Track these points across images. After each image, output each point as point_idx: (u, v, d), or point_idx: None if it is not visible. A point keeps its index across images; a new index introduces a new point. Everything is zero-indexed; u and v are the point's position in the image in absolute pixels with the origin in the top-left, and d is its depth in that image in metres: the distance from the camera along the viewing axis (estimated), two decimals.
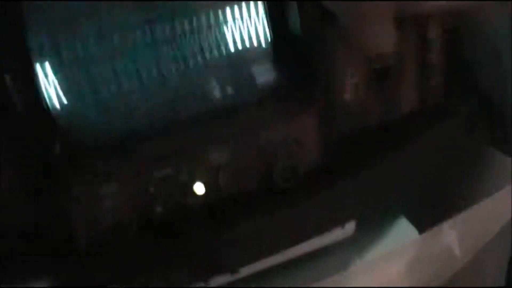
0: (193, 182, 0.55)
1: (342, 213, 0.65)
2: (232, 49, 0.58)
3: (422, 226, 0.68)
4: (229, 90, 0.59)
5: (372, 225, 0.71)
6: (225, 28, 0.57)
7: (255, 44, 0.58)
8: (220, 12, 0.56)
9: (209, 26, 0.56)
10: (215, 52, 0.57)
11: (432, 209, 0.70)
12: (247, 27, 0.58)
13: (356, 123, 0.63)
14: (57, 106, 0.54)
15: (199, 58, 0.57)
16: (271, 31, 0.58)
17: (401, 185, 0.66)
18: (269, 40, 0.59)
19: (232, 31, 0.57)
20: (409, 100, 0.64)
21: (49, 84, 0.53)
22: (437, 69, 0.64)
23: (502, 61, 0.76)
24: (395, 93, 0.61)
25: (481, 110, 0.70)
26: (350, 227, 0.69)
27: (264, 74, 0.59)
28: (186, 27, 0.56)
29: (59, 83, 0.54)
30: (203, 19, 0.56)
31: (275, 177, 0.55)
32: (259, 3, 0.57)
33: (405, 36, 0.61)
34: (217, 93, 0.58)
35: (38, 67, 0.52)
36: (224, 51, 0.57)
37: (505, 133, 0.72)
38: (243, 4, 0.57)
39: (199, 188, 0.55)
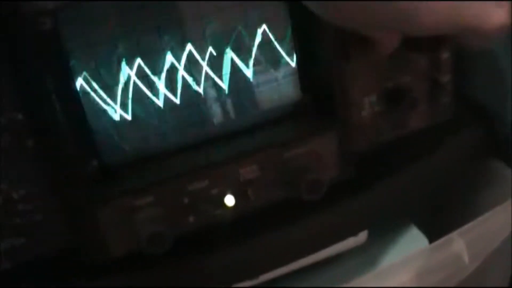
0: (224, 195, 0.58)
1: (356, 223, 0.68)
2: (259, 69, 0.61)
3: (432, 235, 0.71)
4: (257, 108, 0.62)
5: (385, 234, 0.74)
6: (253, 48, 0.60)
7: (281, 64, 0.61)
8: (249, 32, 0.59)
9: (239, 48, 0.59)
10: (244, 72, 0.60)
11: (441, 219, 0.74)
12: (273, 47, 0.60)
13: (371, 138, 0.66)
14: (97, 124, 0.57)
15: (229, 77, 0.60)
16: (296, 50, 0.61)
17: (413, 197, 0.69)
18: (294, 59, 0.62)
19: (259, 51, 0.60)
20: (419, 117, 0.67)
21: (89, 99, 0.56)
22: (446, 87, 0.67)
23: (503, 75, 0.80)
24: (407, 110, 0.64)
25: (486, 124, 0.73)
26: (363, 235, 0.72)
27: (289, 93, 0.63)
28: (217, 48, 0.58)
29: (98, 101, 0.56)
30: (235, 37, 0.59)
31: (301, 190, 0.58)
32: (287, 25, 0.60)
33: (415, 56, 0.64)
34: (246, 111, 0.62)
35: (79, 81, 0.55)
36: (252, 71, 0.61)
37: (508, 146, 0.76)
38: (270, 24, 0.60)
39: (230, 202, 0.59)
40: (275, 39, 0.60)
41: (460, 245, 0.68)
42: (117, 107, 0.57)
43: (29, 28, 0.50)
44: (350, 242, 0.71)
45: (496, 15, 0.47)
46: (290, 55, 0.61)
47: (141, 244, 0.54)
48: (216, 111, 0.61)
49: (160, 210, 0.56)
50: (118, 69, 0.56)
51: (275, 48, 0.61)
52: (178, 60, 0.58)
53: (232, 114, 0.61)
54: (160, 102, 0.58)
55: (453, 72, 0.66)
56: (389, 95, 0.64)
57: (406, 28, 0.47)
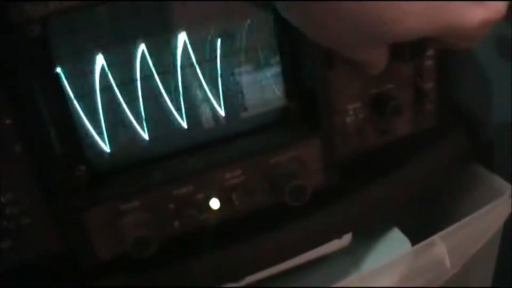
0: (209, 200, 0.59)
1: (340, 227, 0.69)
2: (244, 75, 0.62)
3: (414, 238, 0.72)
4: (243, 115, 0.63)
5: (368, 237, 0.75)
6: (239, 54, 0.61)
7: (265, 70, 0.62)
8: (233, 38, 0.60)
9: (225, 53, 0.60)
10: (230, 79, 0.61)
11: (424, 223, 0.75)
12: (258, 53, 0.61)
13: (355, 144, 0.67)
14: (84, 129, 0.58)
15: (214, 83, 0.61)
16: (281, 57, 0.63)
17: (396, 201, 0.70)
18: (279, 66, 0.63)
19: (243, 57, 0.61)
20: (403, 124, 0.68)
21: (76, 106, 0.57)
22: (429, 94, 0.68)
23: (486, 80, 0.81)
24: (391, 117, 0.65)
25: (469, 128, 0.75)
26: (347, 238, 0.73)
27: (274, 100, 0.64)
28: (202, 54, 0.59)
29: (86, 104, 0.57)
30: (220, 44, 0.60)
31: (285, 196, 0.59)
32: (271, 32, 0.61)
33: (399, 64, 0.65)
34: (231, 117, 0.63)
35: (67, 87, 0.56)
36: (237, 79, 0.61)
37: (491, 150, 0.77)
38: (254, 31, 0.61)
39: (215, 205, 0.60)
40: (260, 46, 0.61)
41: (442, 248, 0.69)
42: (102, 114, 0.57)
43: (17, 35, 0.50)
44: (334, 245, 0.72)
45: (475, 13, 0.48)
46: (274, 61, 0.62)
47: (128, 248, 0.55)
48: (201, 117, 0.61)
49: (146, 214, 0.57)
50: (104, 75, 0.57)
51: (260, 54, 0.61)
52: (165, 65, 0.58)
53: (217, 120, 0.62)
54: (146, 106, 0.59)
55: (437, 79, 0.67)
56: (373, 102, 0.65)
57: (389, 34, 0.47)
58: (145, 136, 0.60)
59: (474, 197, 0.76)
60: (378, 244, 0.76)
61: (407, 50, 0.57)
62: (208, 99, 0.61)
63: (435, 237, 0.68)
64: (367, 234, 0.76)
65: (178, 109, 0.60)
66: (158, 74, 0.58)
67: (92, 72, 0.56)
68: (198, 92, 0.61)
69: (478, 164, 0.77)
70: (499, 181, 0.75)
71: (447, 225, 0.70)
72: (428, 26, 0.47)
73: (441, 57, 0.67)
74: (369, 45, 0.51)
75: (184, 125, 0.61)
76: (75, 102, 0.56)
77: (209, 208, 0.59)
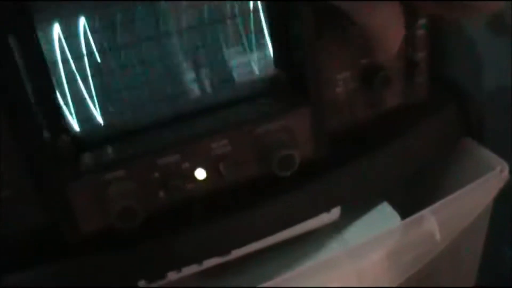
0: (195, 170, 0.58)
1: (329, 200, 0.68)
2: (233, 46, 0.60)
3: (404, 212, 0.72)
4: (231, 83, 0.62)
5: (357, 210, 0.75)
6: (227, 23, 0.59)
7: (255, 40, 0.61)
8: (223, 7, 0.59)
9: (212, 22, 0.59)
10: (218, 49, 0.60)
11: (414, 197, 0.74)
12: (248, 22, 0.60)
13: (345, 116, 0.66)
14: (65, 95, 0.56)
15: (202, 54, 0.59)
16: (271, 26, 0.61)
17: (386, 175, 0.69)
18: (268, 35, 0.61)
19: (233, 27, 0.60)
20: (393, 96, 0.67)
21: (59, 71, 0.56)
22: (420, 65, 0.67)
23: (476, 55, 0.81)
24: (381, 89, 0.64)
25: (459, 103, 0.74)
26: (336, 212, 0.72)
27: (262, 69, 0.62)
28: (191, 21, 0.58)
29: (68, 71, 0.56)
30: (209, 12, 0.59)
31: (273, 166, 0.58)
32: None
33: None
34: (218, 87, 0.61)
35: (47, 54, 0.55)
36: (225, 48, 0.60)
37: (481, 125, 0.76)
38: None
39: (200, 175, 0.58)
40: (250, 14, 0.59)
41: (432, 222, 0.68)
42: (88, 79, 0.56)
43: None
44: (323, 219, 0.71)
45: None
46: (263, 30, 0.61)
47: (113, 219, 0.54)
48: (189, 86, 0.60)
49: (131, 184, 0.56)
50: (90, 38, 0.55)
51: (249, 23, 0.60)
52: (152, 32, 0.57)
53: (205, 89, 0.61)
54: (132, 76, 0.57)
55: (428, 50, 0.66)
56: (363, 72, 0.64)
57: None
58: (130, 105, 0.58)
59: (464, 171, 0.75)
60: (367, 218, 0.75)
61: None
62: (194, 68, 0.59)
63: (426, 211, 0.67)
64: (356, 209, 0.75)
65: (163, 78, 0.58)
66: (142, 41, 0.56)
67: (77, 35, 0.54)
68: (183, 61, 0.59)
69: (469, 138, 0.75)
70: (490, 156, 0.74)
71: (438, 199, 0.69)
72: None
73: (433, 29, 0.66)
74: None
75: (170, 94, 0.59)
76: (60, 67, 0.54)
77: (195, 178, 0.58)
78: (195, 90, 0.61)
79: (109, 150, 0.57)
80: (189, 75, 0.60)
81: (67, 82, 0.56)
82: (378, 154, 0.68)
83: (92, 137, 0.58)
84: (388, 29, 0.52)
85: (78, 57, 0.56)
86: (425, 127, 0.71)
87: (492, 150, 0.75)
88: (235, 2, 0.59)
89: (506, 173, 0.72)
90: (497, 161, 0.73)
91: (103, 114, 0.58)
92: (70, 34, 0.55)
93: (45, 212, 0.57)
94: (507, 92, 0.84)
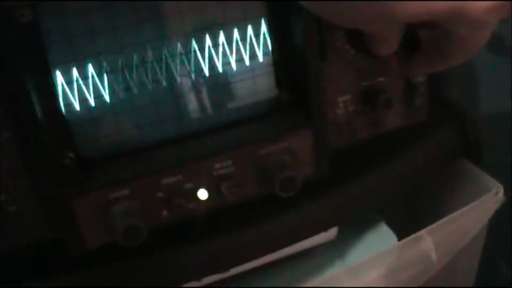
0: (197, 190, 0.59)
1: (327, 219, 0.69)
2: (236, 66, 0.61)
3: (401, 233, 0.73)
4: (233, 104, 0.63)
5: (354, 230, 0.76)
6: (230, 44, 0.60)
7: (258, 60, 0.62)
8: (224, 30, 0.60)
9: (215, 43, 0.60)
10: (221, 68, 0.61)
11: (411, 217, 0.75)
12: (251, 44, 0.61)
13: (345, 137, 0.67)
14: (73, 113, 0.57)
15: (206, 73, 0.60)
16: (274, 47, 0.62)
17: (384, 195, 0.70)
18: (271, 56, 0.62)
19: (236, 47, 0.61)
20: (393, 118, 0.68)
21: (66, 91, 0.56)
22: (419, 88, 0.68)
23: (474, 75, 0.82)
24: (381, 110, 0.65)
25: (457, 123, 0.75)
26: (333, 231, 0.73)
27: (265, 90, 0.63)
28: (195, 43, 0.59)
29: (76, 91, 0.57)
30: (210, 36, 0.59)
31: (275, 187, 0.59)
32: (262, 20, 0.61)
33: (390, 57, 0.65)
34: (221, 107, 0.62)
35: (56, 73, 0.55)
36: (229, 67, 0.61)
37: (478, 146, 0.77)
38: (247, 20, 0.61)
39: (203, 196, 0.59)
40: (252, 35, 0.61)
41: (429, 243, 0.69)
42: (93, 99, 0.57)
43: (7, 19, 0.49)
44: (320, 237, 0.72)
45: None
46: (266, 51, 0.62)
47: (117, 237, 0.54)
48: (192, 106, 0.61)
49: (135, 203, 0.56)
50: (95, 61, 0.56)
51: (252, 44, 0.61)
52: (155, 54, 0.58)
53: (208, 109, 0.62)
54: (137, 95, 0.58)
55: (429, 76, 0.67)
56: (364, 95, 0.65)
57: (397, 13, 0.47)
58: (136, 124, 0.59)
59: (461, 192, 0.77)
60: (364, 237, 0.76)
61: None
62: (198, 88, 0.60)
63: (422, 232, 0.69)
64: (354, 228, 0.76)
65: (168, 98, 0.59)
66: (150, 62, 0.57)
67: (84, 59, 0.55)
68: (188, 81, 0.60)
69: (465, 159, 0.76)
70: (486, 177, 0.75)
71: (434, 219, 0.70)
72: (433, 7, 0.46)
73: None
74: (381, 22, 0.51)
75: (175, 114, 0.60)
76: (66, 88, 0.55)
77: (198, 198, 0.59)
78: (199, 110, 0.62)
79: (114, 168, 0.58)
80: (193, 95, 0.61)
81: (76, 102, 0.57)
82: (376, 174, 0.69)
83: (98, 156, 0.59)
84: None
85: (84, 78, 0.56)
86: (423, 148, 0.72)
87: (488, 171, 0.76)
88: (241, 26, 0.60)
89: (501, 195, 0.73)
90: (492, 183, 0.75)
91: (109, 133, 0.59)
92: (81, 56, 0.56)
93: (50, 227, 0.57)
94: (505, 113, 0.85)
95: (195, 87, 0.61)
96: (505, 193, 0.73)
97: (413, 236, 0.69)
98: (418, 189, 0.76)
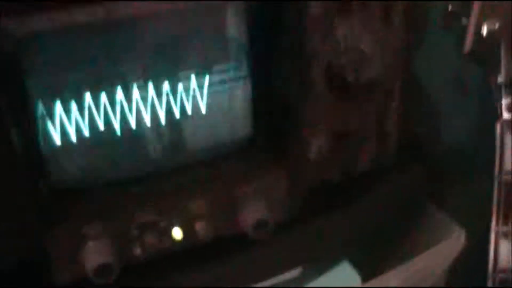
0: (172, 229, 0.59)
1: (293, 259, 0.70)
2: (213, 106, 0.62)
3: (365, 274, 0.74)
4: (208, 143, 0.63)
5: (318, 268, 0.76)
6: (209, 86, 0.61)
7: (236, 101, 0.63)
8: (204, 72, 0.60)
9: (192, 80, 0.60)
10: (198, 108, 0.61)
11: (375, 258, 0.76)
12: (229, 83, 0.62)
13: (315, 178, 0.68)
14: (49, 146, 0.57)
15: (182, 112, 0.60)
16: (253, 90, 0.63)
17: (350, 236, 0.71)
18: (250, 98, 0.63)
19: (214, 87, 0.61)
20: (363, 160, 0.69)
21: (44, 124, 0.56)
22: (391, 133, 0.70)
23: (440, 120, 0.84)
24: (352, 153, 0.67)
25: (421, 167, 0.77)
26: (297, 270, 0.74)
27: (240, 129, 0.64)
28: (175, 84, 0.59)
29: (52, 125, 0.56)
30: (189, 79, 0.60)
31: (248, 228, 0.59)
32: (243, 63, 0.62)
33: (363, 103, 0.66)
34: (196, 146, 0.63)
35: (36, 107, 0.55)
36: (206, 108, 0.61)
37: (442, 190, 0.79)
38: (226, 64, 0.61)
39: (177, 234, 0.59)
40: (232, 76, 0.61)
41: (394, 284, 0.70)
42: (71, 132, 0.57)
43: None
44: (285, 275, 0.72)
45: None
46: (245, 92, 0.63)
47: (89, 274, 0.54)
48: (167, 143, 0.61)
49: (108, 240, 0.56)
50: (73, 97, 0.56)
51: (231, 84, 0.62)
52: (131, 92, 0.58)
53: (184, 148, 0.62)
54: (112, 131, 0.58)
55: (399, 121, 0.69)
56: (337, 137, 0.66)
57: None
58: (112, 159, 0.59)
59: (424, 235, 0.78)
60: (327, 277, 0.76)
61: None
62: (170, 126, 0.61)
63: (388, 274, 0.69)
64: (318, 266, 0.77)
65: (143, 136, 0.60)
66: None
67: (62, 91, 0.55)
68: (165, 118, 0.60)
69: (429, 203, 0.78)
70: (449, 221, 0.78)
71: (398, 261, 0.71)
72: None
73: (403, 98, 0.69)
74: None
75: (151, 152, 0.60)
76: (46, 117, 0.55)
77: (172, 236, 0.59)
78: (175, 148, 0.62)
79: (87, 203, 0.58)
80: (169, 134, 0.61)
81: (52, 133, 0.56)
82: (342, 215, 0.70)
83: (71, 188, 0.58)
84: None
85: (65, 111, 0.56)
86: (388, 190, 0.73)
87: (451, 213, 0.78)
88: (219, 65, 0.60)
89: (462, 239, 0.75)
90: (455, 227, 0.77)
91: (83, 166, 0.58)
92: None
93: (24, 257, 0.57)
94: (466, 153, 0.87)
95: (171, 125, 0.60)
96: (466, 237, 0.74)
97: (377, 278, 0.70)
98: (382, 231, 0.77)
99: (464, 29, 0.65)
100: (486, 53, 0.65)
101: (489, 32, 0.64)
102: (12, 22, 0.49)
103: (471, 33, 0.65)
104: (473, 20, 0.64)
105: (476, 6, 0.63)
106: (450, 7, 0.66)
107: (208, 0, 0.58)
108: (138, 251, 0.59)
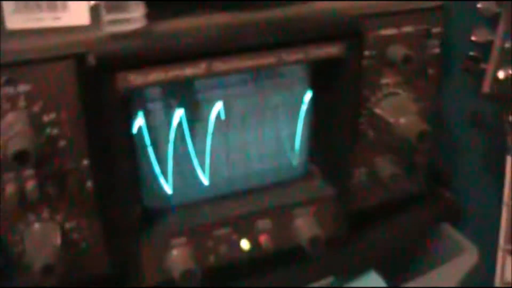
0: (240, 241, 0.71)
1: (333, 267, 0.81)
2: (277, 141, 0.74)
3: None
4: (272, 173, 0.75)
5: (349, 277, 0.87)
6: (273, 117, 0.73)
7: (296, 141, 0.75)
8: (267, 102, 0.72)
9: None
10: (264, 147, 0.74)
11: (391, 276, 0.88)
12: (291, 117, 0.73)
13: (359, 204, 0.79)
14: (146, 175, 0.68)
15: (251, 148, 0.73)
16: (311, 129, 0.75)
17: (381, 251, 0.83)
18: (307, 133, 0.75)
19: (279, 120, 0.73)
20: (395, 189, 0.80)
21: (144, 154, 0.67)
22: (421, 165, 0.81)
23: (452, 143, 0.94)
24: (389, 182, 0.78)
25: (441, 192, 0.88)
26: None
27: (300, 162, 0.76)
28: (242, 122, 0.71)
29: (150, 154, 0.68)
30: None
31: (304, 245, 0.71)
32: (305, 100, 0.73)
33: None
34: (262, 174, 0.74)
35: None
36: (271, 143, 0.74)
37: (455, 211, 0.90)
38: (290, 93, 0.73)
39: (245, 246, 0.71)
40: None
41: None
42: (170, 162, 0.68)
43: (108, 89, 0.59)
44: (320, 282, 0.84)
45: None
46: (304, 132, 0.75)
47: (176, 279, 0.65)
48: (241, 175, 0.73)
49: (190, 250, 0.67)
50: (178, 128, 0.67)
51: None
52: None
53: (253, 175, 0.74)
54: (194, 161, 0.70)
55: (428, 153, 0.80)
56: (376, 168, 0.78)
57: None
58: (204, 183, 0.71)
59: (440, 251, 0.89)
60: (356, 283, 0.87)
61: None
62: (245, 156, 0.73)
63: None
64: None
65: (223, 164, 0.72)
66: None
67: (168, 124, 0.67)
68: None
69: (446, 224, 0.90)
70: (462, 240, 0.88)
71: (412, 276, 0.83)
72: None
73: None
74: None
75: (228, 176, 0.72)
76: (150, 150, 0.67)
77: (240, 247, 0.70)
78: (247, 177, 0.74)
79: (175, 220, 0.69)
80: (242, 162, 0.73)
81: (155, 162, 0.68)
82: (378, 235, 0.82)
83: (161, 208, 0.70)
84: None
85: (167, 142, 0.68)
86: (415, 213, 0.85)
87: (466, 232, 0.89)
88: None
89: (475, 256, 0.86)
90: (467, 245, 0.87)
91: (176, 190, 0.70)
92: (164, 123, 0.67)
93: (115, 265, 0.67)
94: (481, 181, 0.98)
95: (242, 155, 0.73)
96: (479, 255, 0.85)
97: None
98: (405, 246, 0.88)
99: (482, 72, 0.75)
100: (501, 94, 0.75)
101: (505, 76, 0.74)
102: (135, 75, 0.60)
103: (489, 77, 0.74)
104: (491, 65, 0.74)
105: (494, 53, 0.74)
106: (470, 53, 0.76)
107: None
108: (212, 259, 0.70)
